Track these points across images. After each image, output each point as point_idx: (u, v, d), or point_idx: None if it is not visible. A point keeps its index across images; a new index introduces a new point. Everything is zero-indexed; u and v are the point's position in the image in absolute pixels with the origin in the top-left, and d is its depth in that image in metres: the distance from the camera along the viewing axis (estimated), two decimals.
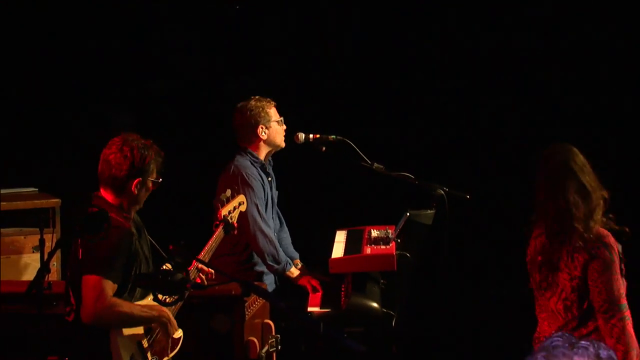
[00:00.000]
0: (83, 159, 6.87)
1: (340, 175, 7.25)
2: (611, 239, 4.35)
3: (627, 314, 4.28)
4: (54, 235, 5.66)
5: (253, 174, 5.94)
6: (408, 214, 5.86)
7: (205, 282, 4.78)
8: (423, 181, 6.04)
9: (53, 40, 7.21)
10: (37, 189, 6.79)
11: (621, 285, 4.31)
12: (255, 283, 5.29)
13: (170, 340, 4.68)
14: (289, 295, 6.02)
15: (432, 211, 5.96)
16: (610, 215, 4.41)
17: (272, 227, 6.03)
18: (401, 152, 7.20)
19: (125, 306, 4.47)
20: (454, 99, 7.40)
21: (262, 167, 6.05)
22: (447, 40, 7.39)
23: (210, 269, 4.76)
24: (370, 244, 5.85)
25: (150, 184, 4.68)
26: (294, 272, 5.98)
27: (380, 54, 7.48)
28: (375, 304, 5.62)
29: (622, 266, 4.36)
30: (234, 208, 5.15)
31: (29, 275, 6.23)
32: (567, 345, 2.58)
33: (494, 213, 7.24)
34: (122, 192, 4.63)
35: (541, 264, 4.44)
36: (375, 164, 6.08)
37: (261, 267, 6.00)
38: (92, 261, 4.43)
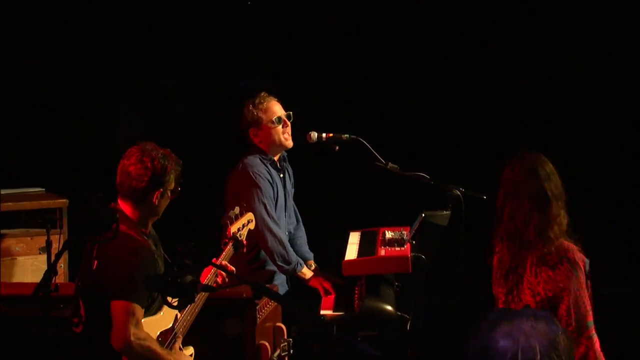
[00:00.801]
0: (91, 158, 6.91)
1: (353, 175, 7.25)
2: (576, 254, 4.31)
3: (593, 331, 4.26)
4: (61, 236, 5.68)
5: (261, 172, 5.94)
6: (423, 215, 5.84)
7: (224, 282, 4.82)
8: (439, 181, 6.02)
9: (61, 38, 7.23)
10: (43, 189, 6.80)
11: (587, 303, 4.27)
12: (267, 285, 5.30)
13: None
14: (301, 297, 6.02)
15: (448, 212, 5.92)
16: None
17: (282, 227, 6.02)
18: (416, 151, 7.20)
19: (155, 343, 4.52)
20: (471, 96, 7.39)
21: (273, 163, 6.04)
22: (466, 36, 7.39)
23: (224, 274, 4.78)
24: (385, 246, 5.84)
25: (169, 194, 4.71)
26: (306, 272, 5.98)
27: (395, 50, 7.48)
28: (389, 307, 5.60)
29: (589, 283, 4.32)
30: (243, 225, 5.15)
31: (36, 277, 6.23)
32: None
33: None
34: (142, 204, 4.66)
35: (505, 277, 4.42)
36: (390, 164, 6.06)
37: (271, 267, 6.00)
38: (119, 285, 4.46)
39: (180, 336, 4.74)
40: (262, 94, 6.05)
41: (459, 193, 5.93)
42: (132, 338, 4.44)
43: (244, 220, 5.16)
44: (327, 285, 5.92)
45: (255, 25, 7.56)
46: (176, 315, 4.74)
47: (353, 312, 5.63)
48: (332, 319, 5.61)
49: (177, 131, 7.64)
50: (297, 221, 6.34)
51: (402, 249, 5.75)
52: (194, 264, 4.14)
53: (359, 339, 5.19)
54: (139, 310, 4.49)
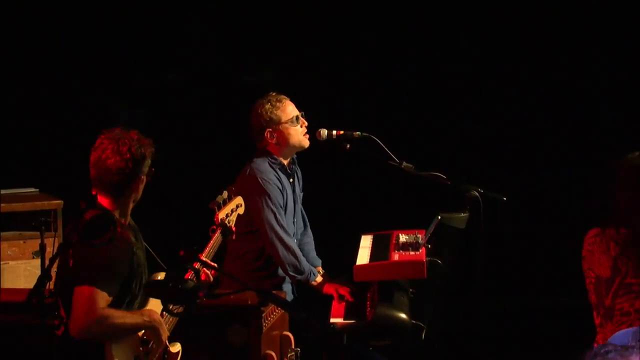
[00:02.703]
0: (87, 157, 6.90)
1: (365, 175, 7.25)
2: None
3: None
4: (56, 239, 5.67)
5: (270, 178, 5.93)
6: (439, 217, 5.84)
7: (211, 279, 4.80)
8: (456, 181, 6.01)
9: (56, 33, 7.24)
10: (37, 190, 6.81)
11: None
12: (274, 292, 5.30)
13: (168, 355, 4.69)
14: (309, 304, 6.01)
15: (465, 214, 5.92)
16: None
17: (292, 234, 6.02)
18: (432, 150, 7.19)
19: (116, 317, 4.46)
20: (489, 93, 7.39)
21: (283, 168, 6.04)
22: (481, 32, 7.40)
23: (214, 265, 4.76)
24: (399, 250, 5.82)
25: (147, 177, 4.71)
26: (319, 280, 5.97)
27: (408, 44, 7.48)
28: (403, 315, 5.59)
29: None
30: (232, 211, 5.13)
31: (29, 283, 6.23)
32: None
33: (533, 216, 7.22)
34: (122, 196, 4.65)
35: None
36: (404, 163, 6.05)
37: (278, 275, 6.01)
38: (87, 271, 4.42)
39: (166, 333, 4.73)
40: (273, 93, 6.05)
41: (477, 194, 5.93)
42: (87, 322, 4.37)
43: (232, 205, 5.13)
44: (342, 291, 5.91)
45: (261, 17, 7.56)
46: (161, 312, 4.70)
47: (365, 321, 5.62)
48: (343, 327, 5.60)
49: (179, 129, 7.64)
50: (305, 226, 6.33)
51: (417, 253, 5.74)
52: (198, 269, 4.15)
53: (371, 348, 5.23)
54: (103, 297, 4.42)
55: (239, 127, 6.25)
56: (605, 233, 4.65)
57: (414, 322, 5.63)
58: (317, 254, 6.34)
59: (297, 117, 6.01)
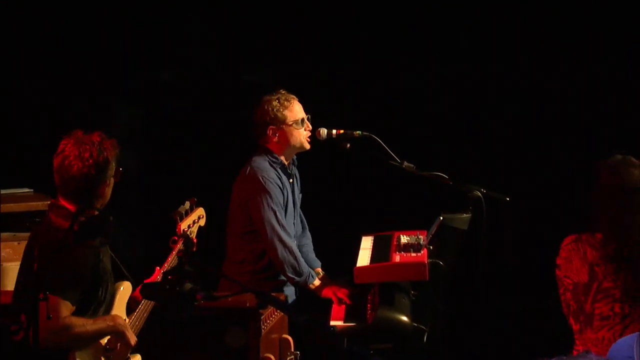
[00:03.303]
0: None
1: (366, 175, 7.23)
2: None
3: None
4: None
5: (271, 177, 5.93)
6: (441, 218, 5.83)
7: None
8: (458, 182, 6.01)
9: (49, 37, 7.24)
10: (32, 190, 6.80)
11: None
12: (273, 294, 5.30)
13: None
14: (309, 307, 6.01)
15: (468, 215, 5.92)
16: None
17: (292, 235, 6.02)
18: (434, 149, 7.18)
19: (77, 326, 4.51)
20: (493, 91, 7.39)
21: (283, 167, 6.03)
22: (484, 30, 7.40)
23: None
24: (400, 251, 5.82)
25: (114, 179, 4.72)
26: (317, 283, 5.97)
27: (408, 43, 7.47)
28: (404, 318, 5.59)
29: None
30: (194, 222, 5.13)
31: None
32: None
33: (537, 216, 7.21)
34: (89, 200, 4.65)
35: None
36: (406, 163, 6.05)
37: (279, 278, 6.00)
38: (52, 279, 4.41)
39: None
40: (283, 91, 6.04)
41: (480, 194, 5.92)
42: (49, 331, 4.40)
43: (194, 216, 5.13)
44: (341, 294, 5.90)
45: (260, 15, 7.56)
46: (125, 320, 4.74)
47: (365, 323, 5.62)
48: (343, 330, 5.60)
49: (176, 129, 7.63)
50: (303, 228, 6.34)
51: (419, 254, 5.74)
52: (195, 270, 4.15)
53: (371, 352, 5.22)
54: (66, 307, 4.47)
55: (238, 127, 6.25)
56: (581, 239, 4.68)
57: (416, 324, 5.63)
58: (316, 256, 6.33)
59: (302, 120, 6.01)
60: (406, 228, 6.21)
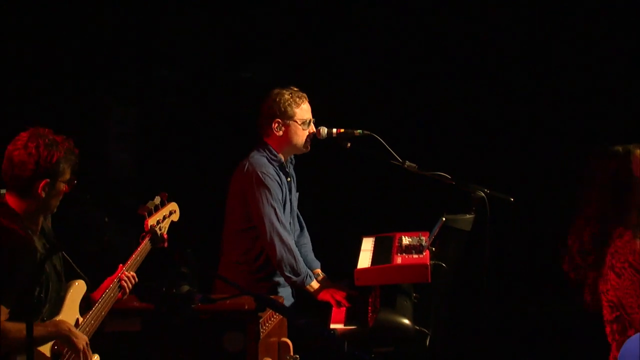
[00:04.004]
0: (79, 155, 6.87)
1: (367, 174, 7.23)
2: None
3: None
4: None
5: (269, 172, 5.93)
6: (444, 218, 5.82)
7: (127, 293, 4.78)
8: (461, 181, 6.00)
9: (44, 34, 7.23)
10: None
11: None
12: (271, 296, 5.29)
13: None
14: (308, 310, 6.00)
15: (471, 216, 5.91)
16: None
17: (291, 234, 6.01)
18: (436, 148, 7.18)
19: (14, 331, 4.41)
20: (496, 88, 7.38)
21: (281, 166, 6.03)
22: (486, 28, 7.41)
23: (132, 274, 4.77)
24: (401, 253, 5.82)
25: (61, 187, 4.63)
26: (315, 286, 5.95)
27: (410, 40, 7.47)
28: (406, 321, 5.58)
29: None
30: (164, 217, 5.09)
31: None
32: None
33: (542, 217, 7.21)
34: (28, 196, 4.59)
35: None
36: (407, 162, 6.04)
37: (276, 278, 6.00)
38: None
39: None
40: (295, 88, 6.04)
41: (483, 195, 5.92)
42: None
43: (164, 211, 5.09)
44: (339, 297, 5.89)
45: (258, 10, 7.56)
46: (77, 319, 4.69)
47: (366, 326, 5.61)
48: (344, 333, 5.59)
49: (173, 127, 7.63)
50: (301, 228, 6.33)
51: (421, 256, 5.73)
52: (192, 272, 4.14)
53: (372, 355, 5.21)
54: (2, 312, 4.40)
55: (237, 124, 6.25)
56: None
57: (418, 328, 5.62)
58: (315, 257, 6.32)
59: (309, 121, 6.01)
60: (408, 229, 6.22)
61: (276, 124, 5.98)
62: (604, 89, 7.31)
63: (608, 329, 4.73)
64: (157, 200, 5.05)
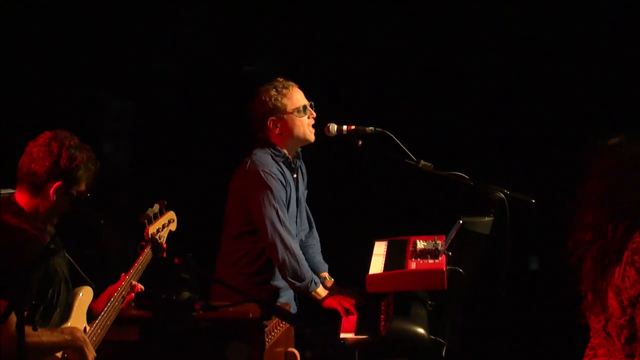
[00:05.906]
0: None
1: (379, 174, 7.22)
2: None
3: None
4: None
5: (272, 172, 5.92)
6: (461, 221, 5.84)
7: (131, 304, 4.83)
8: (479, 182, 5.99)
9: (38, 30, 7.24)
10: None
11: None
12: (278, 304, 5.27)
13: None
14: (316, 317, 5.96)
15: (490, 218, 5.92)
16: None
17: (294, 236, 5.97)
18: (453, 147, 7.16)
19: (31, 336, 4.41)
20: (513, 90, 7.38)
21: (287, 161, 6.00)
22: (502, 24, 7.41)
23: (140, 286, 4.82)
24: (416, 258, 5.81)
25: (74, 193, 4.68)
26: (321, 292, 5.92)
27: (425, 34, 7.46)
28: (421, 330, 5.57)
29: None
30: (163, 226, 5.16)
31: None
32: None
33: (564, 220, 7.17)
34: (39, 195, 4.64)
35: None
36: (422, 162, 6.04)
37: (277, 282, 6.00)
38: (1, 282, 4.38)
39: None
40: (280, 79, 6.03)
41: (503, 196, 5.93)
42: (2, 343, 4.36)
43: (164, 220, 5.16)
44: (347, 304, 5.86)
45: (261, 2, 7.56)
46: (85, 327, 4.73)
47: (378, 336, 5.59)
48: (354, 343, 5.58)
49: (171, 124, 7.62)
50: (310, 227, 6.33)
51: (437, 261, 5.72)
52: (193, 278, 4.11)
53: None
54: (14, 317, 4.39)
55: (238, 120, 6.23)
56: None
57: (433, 337, 5.63)
58: (324, 260, 6.29)
59: (304, 107, 6.01)
60: (423, 232, 6.22)
61: (271, 123, 5.99)
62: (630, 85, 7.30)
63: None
64: (156, 208, 5.12)
